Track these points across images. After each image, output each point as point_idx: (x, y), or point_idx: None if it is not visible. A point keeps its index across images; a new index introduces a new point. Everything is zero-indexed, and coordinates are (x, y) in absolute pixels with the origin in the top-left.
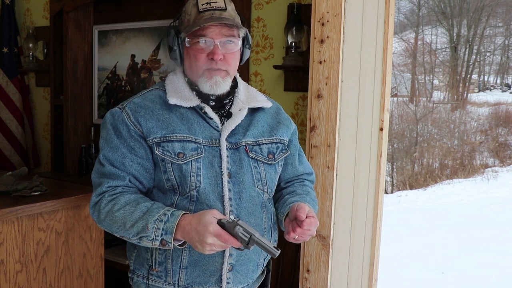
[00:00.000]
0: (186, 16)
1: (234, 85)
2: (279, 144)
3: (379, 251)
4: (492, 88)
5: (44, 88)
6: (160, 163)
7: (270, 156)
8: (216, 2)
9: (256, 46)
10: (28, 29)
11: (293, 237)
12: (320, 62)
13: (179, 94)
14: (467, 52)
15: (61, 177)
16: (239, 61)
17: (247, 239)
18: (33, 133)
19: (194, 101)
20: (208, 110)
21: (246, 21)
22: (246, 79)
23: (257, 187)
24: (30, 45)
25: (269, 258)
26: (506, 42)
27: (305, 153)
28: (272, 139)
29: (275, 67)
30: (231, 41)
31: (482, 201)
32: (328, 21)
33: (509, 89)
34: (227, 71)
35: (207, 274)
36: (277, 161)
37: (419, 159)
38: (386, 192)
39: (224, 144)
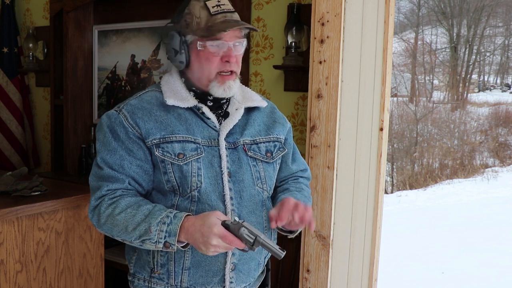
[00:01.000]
0: (194, 19)
1: None
2: (276, 143)
3: (379, 251)
4: (492, 88)
5: (44, 88)
6: (159, 165)
7: (268, 154)
8: (224, 5)
9: (256, 46)
10: (28, 29)
11: (276, 226)
12: (320, 62)
13: (176, 95)
14: (467, 52)
15: (61, 177)
16: None
17: (252, 241)
18: (33, 133)
19: (192, 102)
20: (206, 110)
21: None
22: (246, 79)
23: (257, 185)
24: (30, 45)
25: (269, 257)
26: (506, 42)
27: (305, 153)
28: (269, 137)
29: (275, 67)
30: (240, 42)
31: (482, 201)
32: (328, 21)
33: (509, 89)
34: (236, 72)
35: (210, 275)
36: (275, 159)
37: (419, 159)
38: (386, 192)
39: (223, 143)
